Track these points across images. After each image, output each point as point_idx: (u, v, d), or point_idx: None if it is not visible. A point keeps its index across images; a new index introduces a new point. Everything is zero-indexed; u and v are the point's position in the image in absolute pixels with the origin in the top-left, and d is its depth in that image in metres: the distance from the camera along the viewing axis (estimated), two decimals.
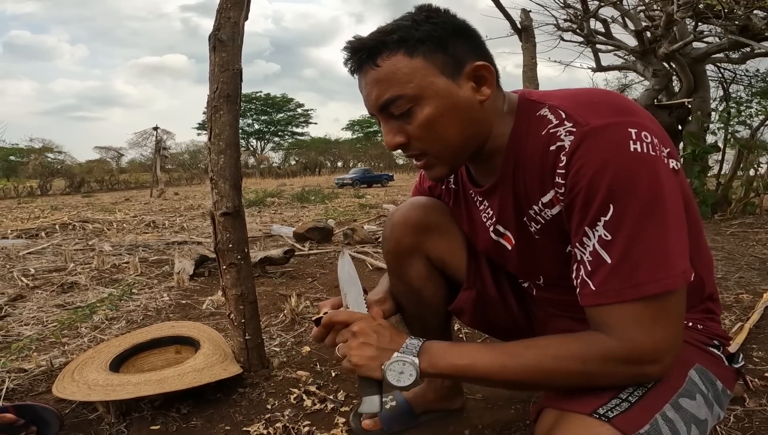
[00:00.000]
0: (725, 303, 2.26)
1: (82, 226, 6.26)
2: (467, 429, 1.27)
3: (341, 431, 1.29)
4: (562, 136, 0.72)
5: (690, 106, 6.18)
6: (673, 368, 0.75)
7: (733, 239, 4.13)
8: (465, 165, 0.98)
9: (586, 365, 0.71)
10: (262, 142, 60.41)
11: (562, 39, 7.42)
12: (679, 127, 6.25)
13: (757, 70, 7.85)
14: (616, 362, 0.70)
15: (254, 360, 1.62)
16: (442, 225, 1.08)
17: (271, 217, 7.46)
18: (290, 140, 61.04)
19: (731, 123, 6.40)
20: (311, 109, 76.97)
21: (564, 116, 0.74)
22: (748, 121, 6.41)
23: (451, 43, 0.77)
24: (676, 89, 6.80)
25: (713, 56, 6.62)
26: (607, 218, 0.68)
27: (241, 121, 1.63)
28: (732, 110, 6.67)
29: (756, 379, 1.46)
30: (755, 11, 5.37)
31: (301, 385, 1.55)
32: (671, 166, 0.71)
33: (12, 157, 32.40)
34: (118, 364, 1.53)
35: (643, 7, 6.63)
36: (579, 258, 0.73)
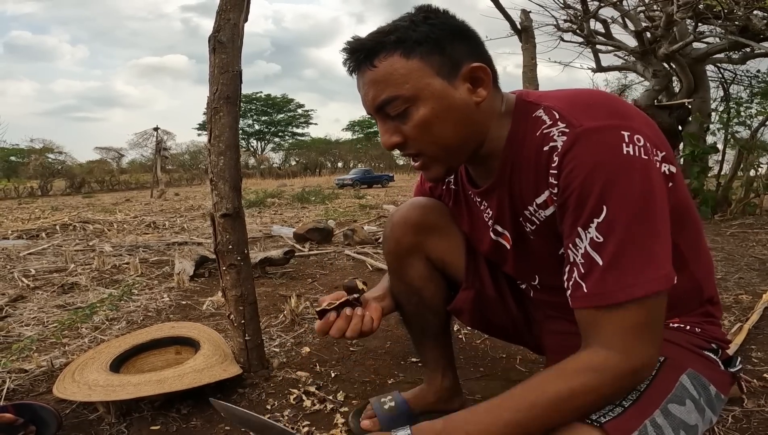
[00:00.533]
0: (724, 304, 2.26)
1: (82, 227, 6.26)
2: None
3: (340, 431, 1.29)
4: (555, 137, 0.73)
5: (690, 106, 6.18)
6: (665, 373, 0.75)
7: (733, 240, 4.13)
8: (464, 166, 0.99)
9: (599, 394, 0.69)
10: (263, 142, 60.45)
11: (562, 39, 7.45)
12: (680, 128, 6.25)
13: (758, 71, 7.85)
14: (626, 379, 0.69)
15: (254, 360, 1.63)
16: (442, 225, 1.08)
17: (272, 218, 7.46)
18: (290, 141, 61.05)
19: (731, 123, 6.39)
20: (311, 110, 77.23)
21: (558, 117, 0.74)
22: (748, 122, 6.41)
23: (449, 44, 0.77)
24: (677, 90, 6.80)
25: (713, 57, 6.63)
26: (600, 220, 0.68)
27: (241, 121, 1.64)
28: (732, 111, 6.66)
29: (755, 380, 1.46)
30: (755, 12, 5.37)
31: (300, 385, 1.55)
32: (663, 171, 0.72)
33: (12, 158, 32.40)
34: (118, 364, 1.53)
35: (643, 8, 6.64)
36: (572, 259, 0.73)
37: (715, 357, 0.85)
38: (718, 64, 7.56)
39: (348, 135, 60.97)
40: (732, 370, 0.87)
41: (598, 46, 7.48)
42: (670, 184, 0.73)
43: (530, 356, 1.68)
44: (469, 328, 1.63)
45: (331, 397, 1.47)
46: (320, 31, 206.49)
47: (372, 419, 1.27)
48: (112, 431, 1.32)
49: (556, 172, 0.72)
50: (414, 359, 1.72)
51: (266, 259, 3.17)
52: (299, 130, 62.23)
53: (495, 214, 0.91)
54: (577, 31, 7.15)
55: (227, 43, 1.53)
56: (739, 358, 0.90)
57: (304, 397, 1.47)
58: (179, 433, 1.32)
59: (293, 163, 51.91)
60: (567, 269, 0.74)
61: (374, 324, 0.99)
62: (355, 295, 0.99)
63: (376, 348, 1.87)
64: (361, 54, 0.78)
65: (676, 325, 0.86)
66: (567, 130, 0.71)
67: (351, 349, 1.86)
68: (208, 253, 3.39)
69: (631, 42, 6.80)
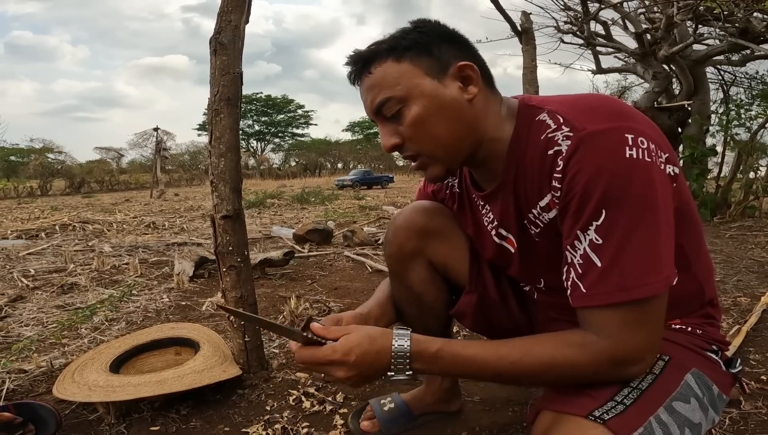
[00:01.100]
0: (723, 306, 2.27)
1: (82, 227, 6.27)
2: (465, 431, 1.28)
3: (340, 433, 1.29)
4: (559, 141, 0.74)
5: (690, 108, 6.19)
6: (670, 371, 0.77)
7: (732, 242, 4.14)
8: (468, 169, 0.99)
9: (578, 370, 0.73)
10: (263, 143, 60.41)
11: (563, 41, 7.45)
12: (679, 130, 6.26)
13: (756, 72, 7.87)
14: (605, 364, 0.72)
15: (253, 362, 1.63)
16: (445, 229, 1.08)
17: (271, 219, 7.47)
18: (290, 141, 61.04)
19: (731, 125, 6.40)
20: (312, 111, 77.25)
21: (562, 121, 0.75)
22: (748, 124, 6.42)
23: (436, 47, 0.82)
24: (676, 91, 6.81)
25: (713, 58, 6.63)
26: (599, 223, 0.69)
27: (241, 122, 1.64)
28: (732, 113, 6.67)
29: (752, 382, 1.47)
30: (755, 14, 5.38)
31: (300, 386, 1.56)
32: (668, 172, 0.72)
33: (12, 158, 32.39)
34: (118, 365, 1.54)
35: (644, 10, 6.65)
36: (570, 260, 0.74)
37: (716, 358, 0.86)
38: (718, 66, 7.57)
39: (348, 136, 61.06)
40: (733, 371, 0.88)
41: (599, 48, 7.49)
42: (674, 185, 0.74)
43: None
44: (468, 330, 1.63)
45: (330, 399, 1.47)
46: (321, 32, 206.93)
47: (371, 420, 1.28)
48: (111, 432, 1.32)
49: (560, 175, 0.73)
50: None
51: (266, 260, 3.17)
52: (299, 131, 62.28)
53: (498, 217, 0.92)
54: (578, 32, 7.16)
55: (228, 45, 1.53)
56: (739, 360, 0.91)
57: (303, 398, 1.47)
58: (179, 433, 1.32)
59: (293, 163, 51.95)
60: (565, 269, 0.76)
61: None
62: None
63: None
64: (359, 64, 0.84)
65: (677, 326, 0.86)
66: (571, 134, 0.72)
67: None
68: (207, 254, 3.39)
69: (631, 44, 6.81)
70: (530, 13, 4.26)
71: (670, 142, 0.77)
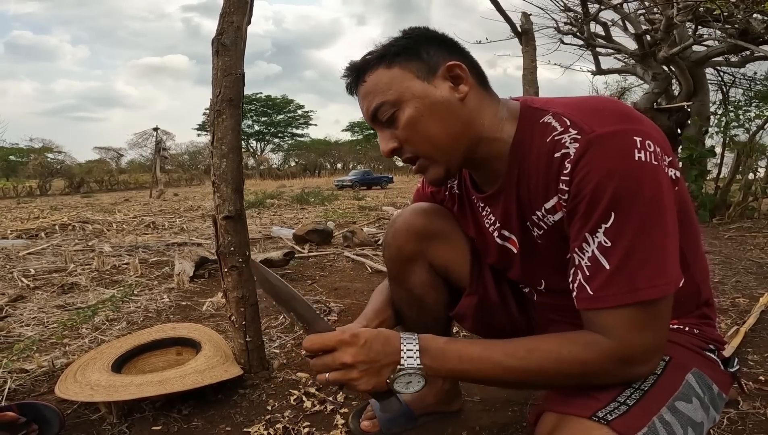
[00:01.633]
0: (722, 307, 2.28)
1: (81, 227, 6.27)
2: (465, 431, 1.29)
3: (340, 432, 1.30)
4: (567, 144, 0.74)
5: (689, 109, 6.20)
6: (671, 371, 0.77)
7: (731, 243, 4.14)
8: (468, 171, 0.99)
9: (585, 367, 0.73)
10: (262, 143, 60.45)
11: (563, 42, 7.46)
12: (678, 131, 6.27)
13: (755, 73, 7.88)
14: (612, 363, 0.72)
15: (255, 362, 1.64)
16: (446, 231, 1.08)
17: (271, 219, 7.47)
18: (290, 142, 61.07)
19: (730, 127, 6.41)
20: (311, 111, 77.35)
21: (569, 123, 0.75)
22: (747, 125, 6.43)
23: (425, 50, 0.84)
24: (676, 93, 6.82)
25: (713, 60, 6.64)
26: (608, 225, 0.70)
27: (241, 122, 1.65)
28: (731, 114, 6.68)
29: (750, 383, 1.47)
30: (754, 15, 5.39)
31: (301, 386, 1.56)
32: (671, 175, 0.73)
33: (12, 157, 32.38)
34: (119, 365, 1.54)
35: (644, 11, 6.66)
36: (577, 263, 0.74)
37: (714, 357, 0.87)
38: (718, 67, 7.58)
39: (347, 136, 61.08)
40: (731, 370, 0.89)
41: (598, 49, 7.50)
42: (676, 188, 0.75)
43: None
44: (468, 332, 1.63)
45: (331, 398, 1.48)
46: (321, 33, 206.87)
47: (372, 420, 1.28)
48: (113, 431, 1.33)
49: (568, 178, 0.73)
50: None
51: (266, 261, 3.18)
52: (299, 131, 62.33)
53: (500, 218, 0.92)
54: (578, 33, 7.17)
55: (230, 46, 1.54)
56: (736, 359, 0.92)
57: (304, 398, 1.48)
58: (180, 433, 1.33)
59: (293, 164, 51.95)
60: (572, 272, 0.76)
61: None
62: None
63: None
64: (354, 74, 0.87)
65: (675, 326, 0.87)
66: (579, 137, 0.72)
67: None
68: (207, 254, 3.40)
69: (631, 45, 6.82)
70: (530, 14, 4.27)
71: (670, 143, 0.78)
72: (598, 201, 0.70)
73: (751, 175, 6.27)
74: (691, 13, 5.64)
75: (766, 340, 1.85)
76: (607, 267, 0.70)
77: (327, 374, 0.78)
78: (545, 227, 0.83)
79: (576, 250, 0.74)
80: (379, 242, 4.33)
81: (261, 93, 59.13)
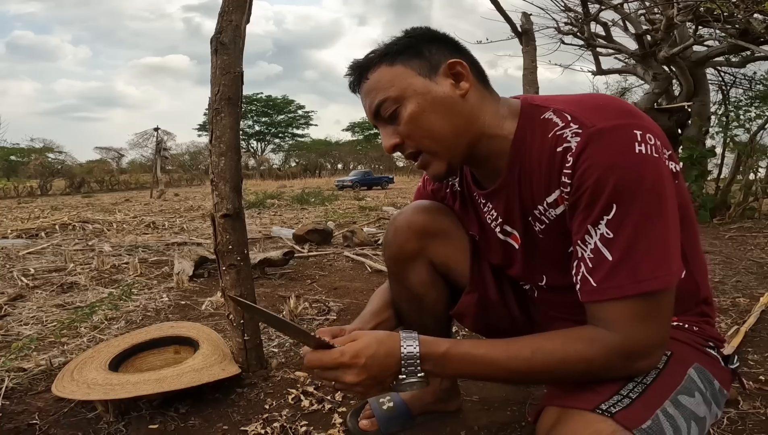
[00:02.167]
0: (722, 307, 2.27)
1: (82, 227, 6.27)
2: (463, 430, 1.28)
3: (338, 431, 1.29)
4: (568, 138, 0.75)
5: (690, 109, 6.19)
6: (673, 366, 0.77)
7: (732, 243, 4.14)
8: (469, 168, 0.99)
9: (590, 365, 0.73)
10: (263, 143, 60.35)
11: (563, 42, 7.46)
12: (679, 131, 6.26)
13: (754, 73, 7.87)
14: (617, 358, 0.72)
15: (253, 360, 1.63)
16: (447, 229, 1.08)
17: (271, 219, 7.47)
18: (291, 142, 60.99)
19: (730, 127, 6.41)
20: (312, 111, 77.18)
21: (570, 119, 0.76)
22: (747, 125, 6.43)
23: (426, 48, 0.85)
24: (676, 93, 6.81)
25: (713, 60, 6.64)
26: (609, 217, 0.70)
27: (241, 122, 1.64)
28: (731, 114, 6.68)
29: (751, 382, 1.47)
30: (755, 15, 5.38)
31: (299, 385, 1.56)
32: (671, 168, 0.74)
33: (13, 157, 32.40)
34: (117, 363, 1.54)
35: (644, 11, 6.66)
36: (580, 255, 0.75)
37: (715, 353, 0.87)
38: (718, 68, 7.58)
39: (348, 136, 61.08)
40: (731, 367, 0.89)
41: (599, 49, 7.50)
42: (676, 182, 0.75)
43: None
44: (467, 330, 1.63)
45: (329, 397, 1.47)
46: (321, 33, 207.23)
47: (370, 419, 1.28)
48: (110, 430, 1.32)
49: (570, 171, 0.74)
50: None
51: (266, 260, 3.18)
52: (299, 132, 62.20)
53: (503, 214, 0.93)
54: (578, 33, 7.17)
55: (229, 45, 1.54)
56: (736, 356, 0.92)
57: (302, 397, 1.47)
58: (177, 432, 1.32)
59: (293, 164, 52.01)
60: (575, 265, 0.76)
61: None
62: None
63: None
64: (357, 72, 0.89)
65: (675, 323, 0.87)
66: (580, 131, 0.73)
67: None
68: (207, 254, 3.40)
69: (632, 45, 6.82)
70: (530, 14, 4.27)
71: (671, 143, 0.78)
72: (600, 193, 0.70)
73: (751, 176, 6.26)
74: (692, 13, 5.63)
75: (767, 339, 1.85)
76: (610, 258, 0.70)
77: (331, 382, 0.79)
78: (547, 222, 0.84)
79: (578, 242, 0.75)
80: (379, 242, 4.32)
81: (261, 93, 59.10)
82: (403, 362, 0.77)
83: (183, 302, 2.63)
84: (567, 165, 0.74)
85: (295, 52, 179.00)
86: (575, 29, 7.06)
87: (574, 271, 0.77)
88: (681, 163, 5.86)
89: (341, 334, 0.91)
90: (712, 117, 6.77)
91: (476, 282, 1.08)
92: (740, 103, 7.24)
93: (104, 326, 2.23)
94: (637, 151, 0.69)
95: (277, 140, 61.16)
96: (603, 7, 6.34)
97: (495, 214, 0.94)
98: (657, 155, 0.70)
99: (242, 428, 1.33)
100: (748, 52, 6.19)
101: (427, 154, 0.87)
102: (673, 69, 6.46)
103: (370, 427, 1.27)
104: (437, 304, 1.14)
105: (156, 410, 1.41)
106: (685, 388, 0.75)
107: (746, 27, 5.47)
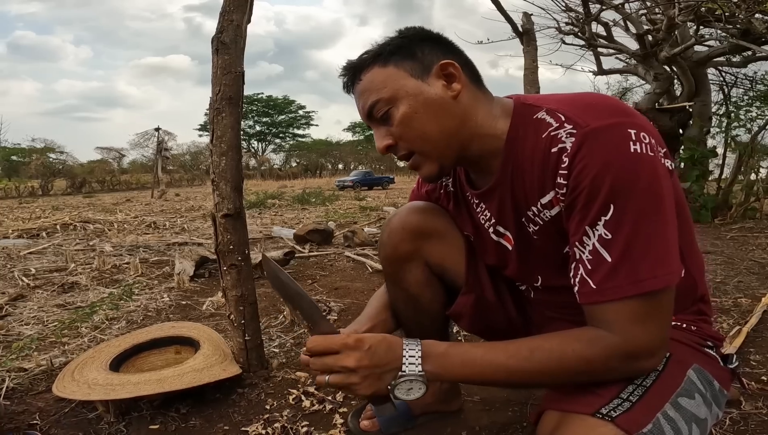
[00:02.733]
0: (723, 307, 2.27)
1: (83, 227, 6.28)
2: (464, 431, 1.28)
3: (339, 432, 1.29)
4: (563, 138, 0.74)
5: (691, 109, 6.19)
6: (672, 367, 0.77)
7: (733, 244, 4.13)
8: (463, 168, 0.99)
9: (590, 365, 0.73)
10: (264, 143, 60.38)
11: (564, 42, 7.45)
12: (680, 131, 6.26)
13: (755, 73, 7.87)
14: (617, 359, 0.72)
15: (253, 361, 1.63)
16: (441, 229, 1.08)
17: (272, 219, 7.48)
18: (291, 142, 61.05)
19: (731, 127, 6.40)
20: (313, 111, 76.76)
21: (563, 119, 0.76)
22: (749, 125, 6.42)
23: (418, 49, 0.85)
24: (678, 93, 6.81)
25: (714, 60, 6.63)
26: (607, 218, 0.70)
27: (242, 122, 1.64)
28: (732, 114, 6.67)
29: (753, 383, 1.46)
30: (756, 15, 5.37)
31: (299, 385, 1.56)
32: (666, 166, 0.74)
33: (14, 157, 32.49)
34: (118, 363, 1.53)
35: (645, 11, 6.65)
36: (578, 257, 0.74)
37: (713, 353, 0.86)
38: (720, 68, 7.57)
39: (348, 136, 61.10)
40: (731, 366, 0.88)
41: (600, 49, 7.49)
42: (671, 179, 0.75)
43: None
44: (465, 331, 1.63)
45: (330, 398, 1.47)
46: (322, 33, 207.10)
47: (371, 420, 1.28)
48: (111, 430, 1.32)
49: (565, 172, 0.74)
50: None
51: None
52: (300, 132, 62.22)
53: (495, 214, 0.92)
54: (579, 33, 7.16)
55: (230, 44, 1.53)
56: (735, 356, 0.91)
57: (303, 398, 1.47)
58: (178, 432, 1.32)
59: (294, 164, 52.06)
60: (573, 266, 0.76)
61: None
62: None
63: None
64: (351, 72, 0.89)
65: (672, 322, 0.86)
66: (575, 131, 0.73)
67: None
68: (208, 254, 3.39)
69: (633, 45, 6.80)
70: (531, 14, 4.26)
71: (671, 143, 0.78)
72: (597, 193, 0.70)
73: (753, 176, 6.25)
74: (693, 13, 5.63)
75: None
76: (609, 259, 0.70)
77: (327, 377, 0.78)
78: (541, 223, 0.83)
79: (576, 244, 0.74)
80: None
81: (262, 93, 59.13)
82: (404, 355, 0.78)
83: (184, 302, 2.63)
84: (563, 165, 0.74)
85: (296, 52, 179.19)
86: (576, 29, 7.06)
87: (572, 273, 0.76)
88: (678, 162, 5.87)
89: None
90: (714, 117, 6.77)
91: (472, 282, 1.07)
92: (741, 103, 7.24)
93: (105, 326, 2.23)
94: (632, 150, 0.69)
95: (277, 140, 61.22)
96: (604, 7, 6.33)
97: (488, 214, 0.94)
98: (652, 154, 0.70)
99: (243, 428, 1.32)
100: (750, 52, 6.18)
101: (419, 155, 0.87)
102: (675, 69, 6.46)
103: (371, 428, 1.27)
104: (433, 304, 1.14)
105: (157, 410, 1.41)
106: (685, 390, 0.75)
107: (747, 27, 5.46)
